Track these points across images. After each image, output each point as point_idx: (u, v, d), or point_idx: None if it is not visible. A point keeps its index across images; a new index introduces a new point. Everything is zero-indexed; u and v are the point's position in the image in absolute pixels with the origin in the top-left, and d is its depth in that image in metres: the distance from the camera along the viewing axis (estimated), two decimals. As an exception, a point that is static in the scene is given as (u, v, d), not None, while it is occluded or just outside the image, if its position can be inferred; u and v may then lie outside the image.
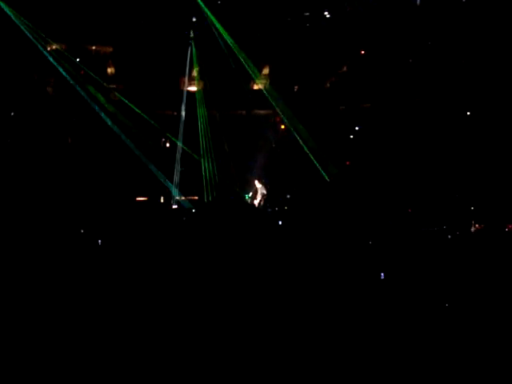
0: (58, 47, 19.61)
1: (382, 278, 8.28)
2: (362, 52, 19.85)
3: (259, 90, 20.51)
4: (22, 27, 18.07)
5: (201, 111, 20.51)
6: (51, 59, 18.83)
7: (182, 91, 21.30)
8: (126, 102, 19.98)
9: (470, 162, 18.13)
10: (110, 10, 19.84)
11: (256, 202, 18.15)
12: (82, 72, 19.65)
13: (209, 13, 19.83)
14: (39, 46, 18.47)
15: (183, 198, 19.21)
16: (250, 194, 18.32)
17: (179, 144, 19.97)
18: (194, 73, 20.89)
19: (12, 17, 17.92)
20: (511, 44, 18.60)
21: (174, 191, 18.95)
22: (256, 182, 18.31)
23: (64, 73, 18.96)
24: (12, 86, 18.47)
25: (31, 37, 18.23)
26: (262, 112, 20.76)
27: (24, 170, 17.23)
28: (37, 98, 19.25)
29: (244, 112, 21.16)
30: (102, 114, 19.41)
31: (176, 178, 19.39)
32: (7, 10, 17.82)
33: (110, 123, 19.35)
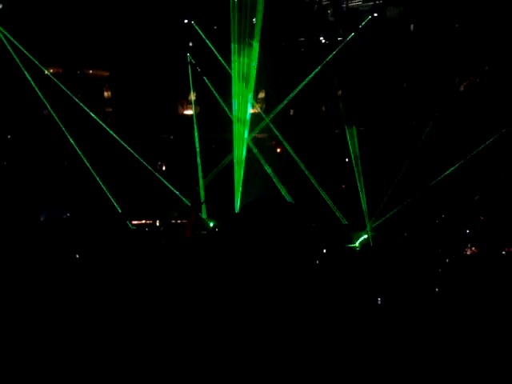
0: (54, 71, 19.73)
1: (379, 303, 8.26)
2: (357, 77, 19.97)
3: (255, 114, 20.63)
4: (17, 51, 18.18)
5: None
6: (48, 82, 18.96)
7: (179, 115, 21.41)
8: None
9: (466, 185, 18.18)
10: (107, 34, 19.98)
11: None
12: (79, 95, 19.72)
13: (205, 38, 20.01)
14: (35, 70, 18.57)
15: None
16: None
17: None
18: (191, 97, 20.99)
19: (6, 41, 18.03)
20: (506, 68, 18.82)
21: None
22: None
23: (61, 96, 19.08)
24: (8, 109, 18.52)
25: (24, 61, 18.34)
26: (258, 136, 20.83)
27: (19, 193, 17.20)
28: (33, 121, 19.29)
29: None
30: (98, 137, 19.49)
31: None
32: (2, 34, 17.95)
33: (105, 146, 19.43)
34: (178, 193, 20.00)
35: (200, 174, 20.31)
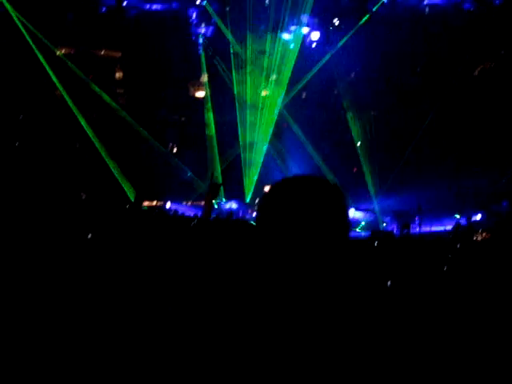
0: (66, 51, 19.72)
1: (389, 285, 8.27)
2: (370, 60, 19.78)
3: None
4: (29, 32, 18.18)
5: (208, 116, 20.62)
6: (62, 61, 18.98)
7: (190, 96, 21.36)
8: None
9: (478, 168, 18.07)
10: (119, 16, 19.92)
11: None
12: (91, 76, 19.73)
13: (217, 19, 19.90)
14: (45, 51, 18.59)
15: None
16: (257, 200, 18.24)
17: None
18: (203, 78, 20.93)
19: (19, 22, 18.03)
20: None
21: None
22: (267, 188, 18.15)
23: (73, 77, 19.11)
24: (21, 90, 18.53)
25: (34, 42, 18.35)
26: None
27: (31, 172, 17.26)
28: (45, 101, 19.31)
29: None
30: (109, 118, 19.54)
31: None
32: (14, 14, 17.94)
33: (117, 127, 19.48)
34: (190, 174, 20.04)
35: (216, 157, 20.30)
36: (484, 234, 14.78)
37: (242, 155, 20.31)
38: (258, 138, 20.14)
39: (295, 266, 1.69)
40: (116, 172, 19.31)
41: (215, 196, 4.04)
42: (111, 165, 19.29)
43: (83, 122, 19.05)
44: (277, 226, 1.70)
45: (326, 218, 1.70)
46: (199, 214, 16.19)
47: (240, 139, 20.44)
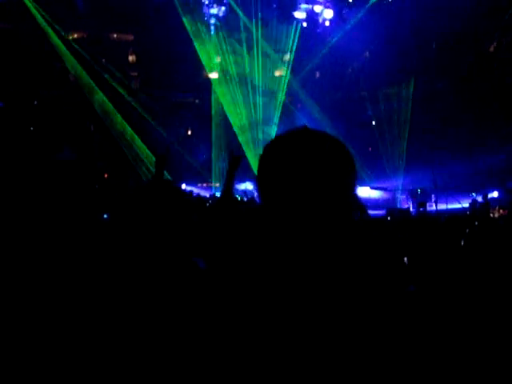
0: (78, 36, 19.70)
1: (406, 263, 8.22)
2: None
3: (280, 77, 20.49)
4: (42, 16, 18.17)
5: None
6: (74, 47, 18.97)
7: (204, 78, 21.29)
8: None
9: (493, 145, 17.92)
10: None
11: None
12: (104, 60, 19.71)
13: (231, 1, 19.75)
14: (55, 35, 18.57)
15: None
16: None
17: None
18: (217, 59, 20.81)
19: (32, 5, 18.00)
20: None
21: None
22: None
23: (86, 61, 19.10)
24: (34, 76, 18.55)
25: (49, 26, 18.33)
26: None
27: (46, 156, 17.34)
28: (59, 86, 19.33)
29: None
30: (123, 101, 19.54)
31: None
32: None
33: (130, 110, 19.50)
34: (205, 156, 19.99)
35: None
36: (501, 211, 14.68)
37: (243, 135, 20.23)
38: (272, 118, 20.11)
39: (302, 236, 1.40)
40: (130, 155, 19.37)
41: (235, 170, 3.91)
42: (125, 148, 19.34)
43: (97, 105, 19.06)
44: (276, 191, 1.41)
45: (333, 177, 1.41)
46: (214, 194, 16.29)
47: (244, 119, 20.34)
